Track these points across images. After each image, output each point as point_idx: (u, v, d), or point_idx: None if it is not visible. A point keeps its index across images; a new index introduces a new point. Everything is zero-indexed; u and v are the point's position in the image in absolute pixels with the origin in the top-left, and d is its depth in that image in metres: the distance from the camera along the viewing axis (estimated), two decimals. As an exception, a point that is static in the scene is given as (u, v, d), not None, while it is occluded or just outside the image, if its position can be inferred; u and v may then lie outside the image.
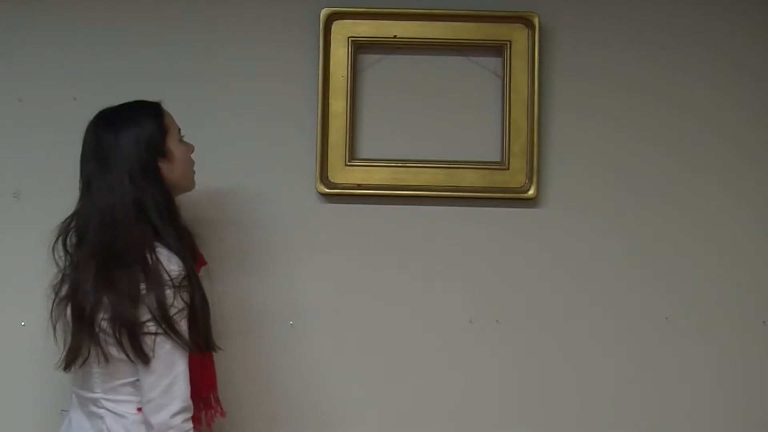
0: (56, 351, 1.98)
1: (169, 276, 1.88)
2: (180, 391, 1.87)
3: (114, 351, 1.88)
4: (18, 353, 2.37)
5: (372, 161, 2.43)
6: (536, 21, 2.40)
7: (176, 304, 1.88)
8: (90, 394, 1.95)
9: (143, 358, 1.86)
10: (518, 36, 2.43)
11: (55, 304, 1.97)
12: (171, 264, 1.89)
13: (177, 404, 1.86)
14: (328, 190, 2.40)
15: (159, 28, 2.44)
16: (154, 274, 1.87)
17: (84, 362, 1.91)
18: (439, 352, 2.42)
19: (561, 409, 2.42)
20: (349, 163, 2.42)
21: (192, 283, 1.92)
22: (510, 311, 2.43)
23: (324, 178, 2.41)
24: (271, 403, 2.39)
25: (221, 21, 2.45)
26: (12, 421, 2.38)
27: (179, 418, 1.86)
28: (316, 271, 2.42)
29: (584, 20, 2.46)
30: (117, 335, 1.86)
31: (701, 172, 2.45)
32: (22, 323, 2.38)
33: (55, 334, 1.97)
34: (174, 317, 1.87)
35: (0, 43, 2.44)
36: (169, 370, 1.87)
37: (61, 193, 2.27)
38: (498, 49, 2.44)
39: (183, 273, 1.90)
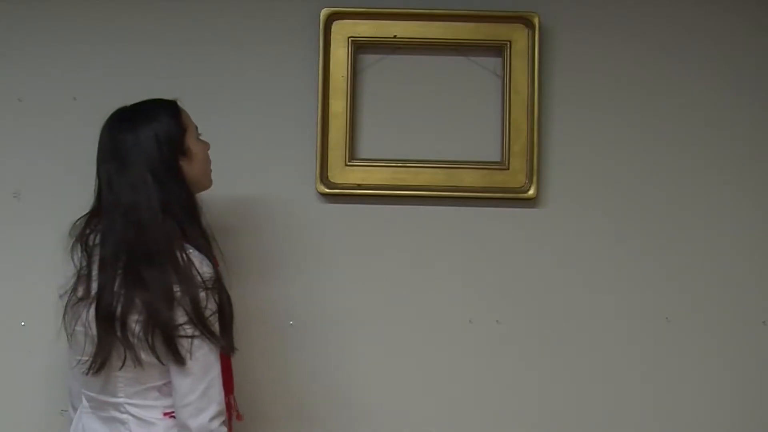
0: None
1: (202, 278, 1.84)
2: (216, 394, 1.84)
3: (143, 354, 1.83)
4: (18, 353, 2.37)
5: (372, 161, 2.43)
6: (536, 21, 2.40)
7: (210, 306, 1.84)
8: (111, 399, 1.89)
9: (179, 360, 1.81)
10: (518, 36, 2.43)
11: (70, 305, 1.90)
12: (203, 266, 1.86)
13: (214, 408, 1.83)
14: (328, 190, 2.40)
15: (159, 28, 2.44)
16: (186, 275, 1.83)
17: (122, 366, 1.84)
18: (439, 352, 2.42)
19: (561, 409, 2.42)
20: (349, 163, 2.42)
21: (221, 284, 1.90)
22: (510, 311, 2.42)
23: (324, 178, 2.40)
24: (271, 403, 2.39)
25: (221, 21, 2.44)
26: (12, 421, 2.37)
27: (217, 422, 1.82)
28: (316, 271, 2.42)
29: (584, 20, 2.46)
30: (149, 338, 1.81)
31: (701, 172, 2.45)
32: (22, 323, 2.38)
33: (69, 336, 1.92)
34: (209, 319, 1.84)
35: (0, 43, 2.44)
36: (206, 372, 1.83)
37: (61, 192, 2.27)
38: (498, 49, 2.44)
39: (214, 275, 1.88)
